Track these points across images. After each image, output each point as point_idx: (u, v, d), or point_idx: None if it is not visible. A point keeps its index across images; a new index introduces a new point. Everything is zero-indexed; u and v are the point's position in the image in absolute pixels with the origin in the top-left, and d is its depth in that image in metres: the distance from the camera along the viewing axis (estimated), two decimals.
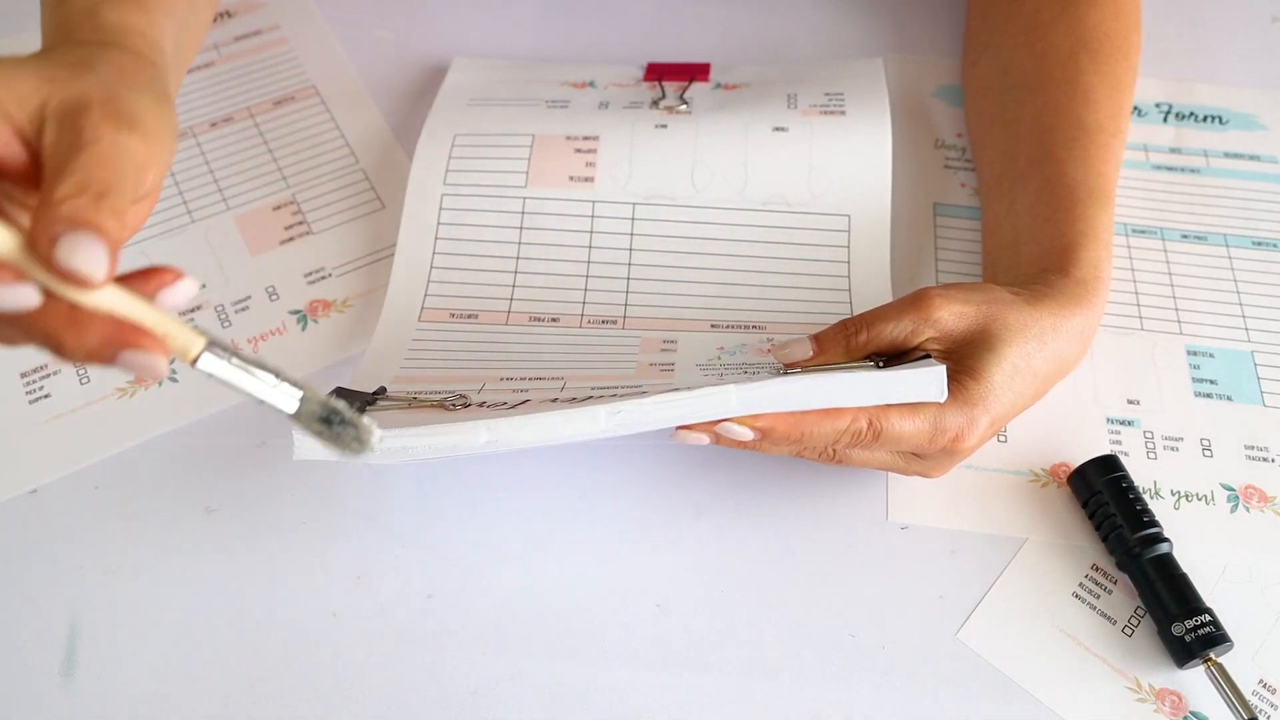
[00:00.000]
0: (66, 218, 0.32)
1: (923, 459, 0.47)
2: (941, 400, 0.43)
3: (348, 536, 0.50)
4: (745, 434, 0.43)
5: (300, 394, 0.36)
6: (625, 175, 0.58)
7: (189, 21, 0.51)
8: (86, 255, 0.32)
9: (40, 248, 0.32)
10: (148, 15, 0.45)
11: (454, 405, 0.46)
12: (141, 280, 0.34)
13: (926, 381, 0.42)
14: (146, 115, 0.37)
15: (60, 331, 0.33)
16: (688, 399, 0.42)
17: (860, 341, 0.46)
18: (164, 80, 0.42)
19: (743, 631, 0.48)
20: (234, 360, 0.35)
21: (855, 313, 0.54)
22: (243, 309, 0.58)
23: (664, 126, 0.60)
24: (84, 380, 0.55)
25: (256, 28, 0.70)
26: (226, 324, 0.57)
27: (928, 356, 0.45)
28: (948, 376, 0.44)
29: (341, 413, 0.36)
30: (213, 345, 0.35)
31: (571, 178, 0.58)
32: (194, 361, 0.35)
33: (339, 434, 0.36)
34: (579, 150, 0.59)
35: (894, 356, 0.46)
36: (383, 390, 0.49)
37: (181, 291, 0.35)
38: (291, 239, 0.61)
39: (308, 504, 0.51)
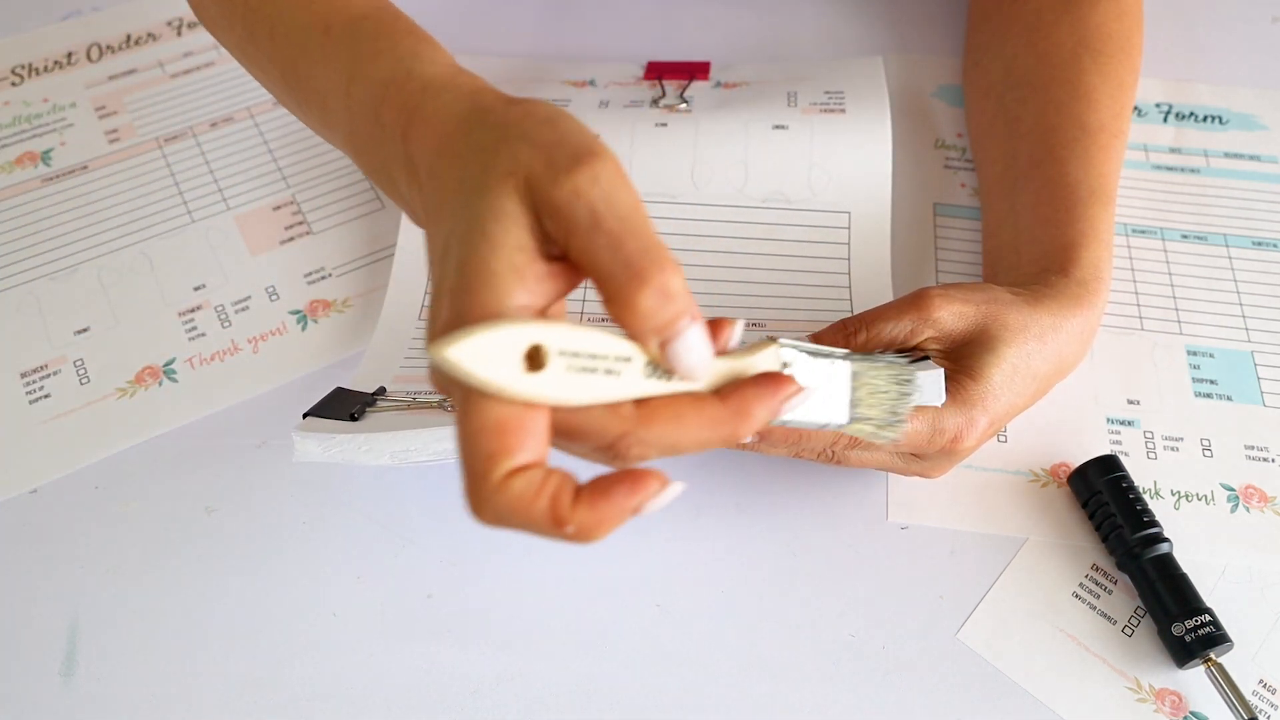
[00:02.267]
0: (665, 323, 0.31)
1: (922, 459, 0.47)
2: (940, 404, 0.43)
3: (348, 536, 0.50)
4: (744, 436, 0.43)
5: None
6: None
7: None
8: (689, 351, 0.31)
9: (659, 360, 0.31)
10: (428, 42, 0.40)
11: (453, 406, 0.46)
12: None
13: (925, 384, 0.42)
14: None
15: (731, 437, 0.33)
16: None
17: (860, 341, 0.46)
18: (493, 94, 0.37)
19: (743, 631, 0.48)
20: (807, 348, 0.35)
21: (855, 309, 0.54)
22: (243, 309, 0.58)
23: (664, 125, 0.60)
24: (84, 380, 0.55)
25: None
26: (226, 324, 0.57)
27: (927, 358, 0.45)
28: (947, 377, 0.44)
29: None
30: (781, 343, 0.35)
31: None
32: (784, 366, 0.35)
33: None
34: None
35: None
36: (382, 390, 0.49)
37: (738, 332, 0.35)
38: (291, 239, 0.61)
39: (308, 504, 0.51)
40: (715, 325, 0.34)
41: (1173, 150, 0.64)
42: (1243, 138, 0.65)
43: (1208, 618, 0.46)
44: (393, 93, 0.38)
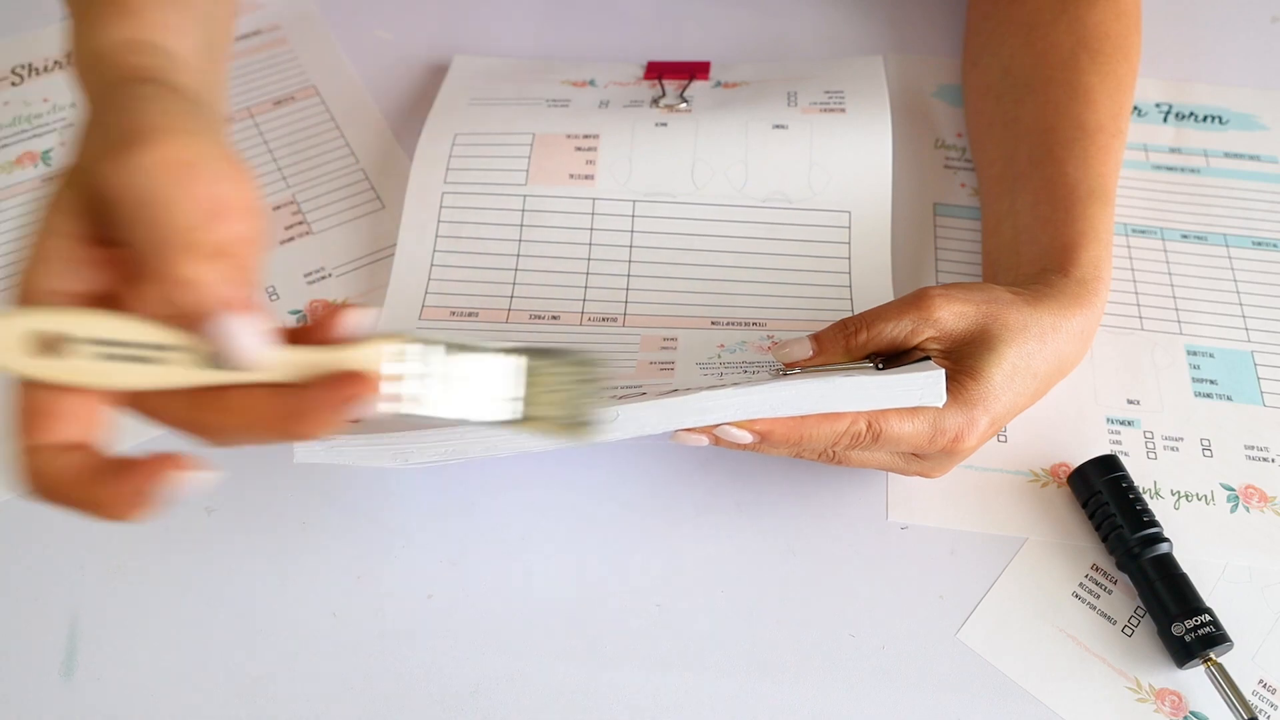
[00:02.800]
0: (204, 302, 0.31)
1: (923, 459, 0.47)
2: (940, 405, 0.43)
3: (348, 536, 0.50)
4: (744, 437, 0.43)
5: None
6: (625, 173, 0.58)
7: (215, 14, 0.46)
8: (239, 334, 0.32)
9: (195, 340, 0.32)
10: (165, 33, 0.40)
11: None
12: (320, 323, 0.34)
13: (925, 386, 0.42)
14: (158, 129, 0.33)
15: (291, 433, 0.33)
16: (686, 404, 0.42)
17: (860, 341, 0.46)
18: (200, 105, 0.38)
19: (742, 631, 0.48)
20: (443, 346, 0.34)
21: (856, 309, 0.54)
22: None
23: (664, 125, 0.60)
24: None
25: (256, 28, 0.70)
26: None
27: (928, 358, 0.45)
28: (947, 377, 0.44)
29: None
30: (409, 341, 0.34)
31: (572, 176, 0.58)
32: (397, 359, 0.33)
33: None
34: (579, 148, 0.59)
35: (893, 356, 0.46)
36: None
37: (357, 320, 0.34)
38: (291, 239, 0.61)
39: (308, 504, 0.51)
40: (331, 311, 0.34)
41: (1173, 150, 0.64)
42: (1243, 138, 0.65)
43: (1207, 617, 0.46)
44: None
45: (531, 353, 0.34)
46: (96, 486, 0.32)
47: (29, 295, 0.32)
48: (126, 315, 0.32)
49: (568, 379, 0.35)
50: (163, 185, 0.32)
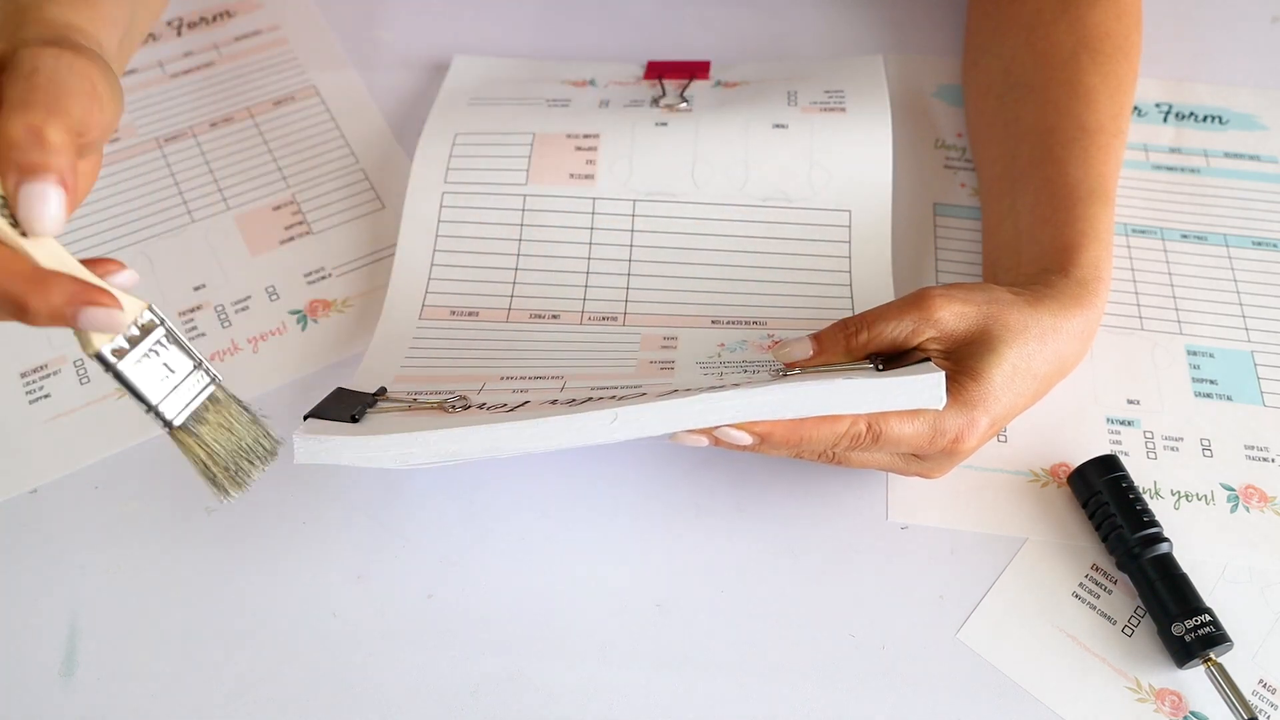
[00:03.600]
0: (20, 165, 0.33)
1: (923, 460, 0.47)
2: (940, 407, 0.43)
3: (348, 536, 0.50)
4: (744, 438, 0.43)
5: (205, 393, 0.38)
6: (626, 172, 0.58)
7: (139, 14, 0.50)
8: (41, 201, 0.33)
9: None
10: (92, 11, 0.44)
11: (453, 407, 0.46)
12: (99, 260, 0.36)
13: (925, 388, 0.42)
14: (92, 57, 0.37)
15: (25, 293, 0.34)
16: (685, 406, 0.42)
17: (860, 341, 0.46)
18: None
19: (742, 631, 0.48)
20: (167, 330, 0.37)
21: (856, 307, 0.54)
22: (243, 309, 0.58)
23: (664, 124, 0.60)
24: (84, 380, 0.55)
25: (256, 28, 0.70)
26: (227, 324, 0.57)
27: (928, 359, 0.45)
28: (948, 378, 0.44)
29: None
30: (151, 307, 0.36)
31: (572, 175, 0.58)
32: (147, 326, 0.36)
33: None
34: (579, 148, 0.59)
35: (894, 356, 0.46)
36: (383, 391, 0.49)
37: (125, 281, 0.37)
38: (291, 239, 0.61)
39: (308, 504, 0.51)
40: (108, 263, 0.36)
41: (1172, 150, 0.64)
42: (1243, 138, 0.65)
43: (1207, 618, 0.46)
44: None
45: (227, 391, 0.38)
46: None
47: None
48: None
49: (246, 429, 0.38)
50: (62, 63, 0.36)
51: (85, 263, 0.36)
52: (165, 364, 0.37)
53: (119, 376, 0.36)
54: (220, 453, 0.38)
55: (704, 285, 0.56)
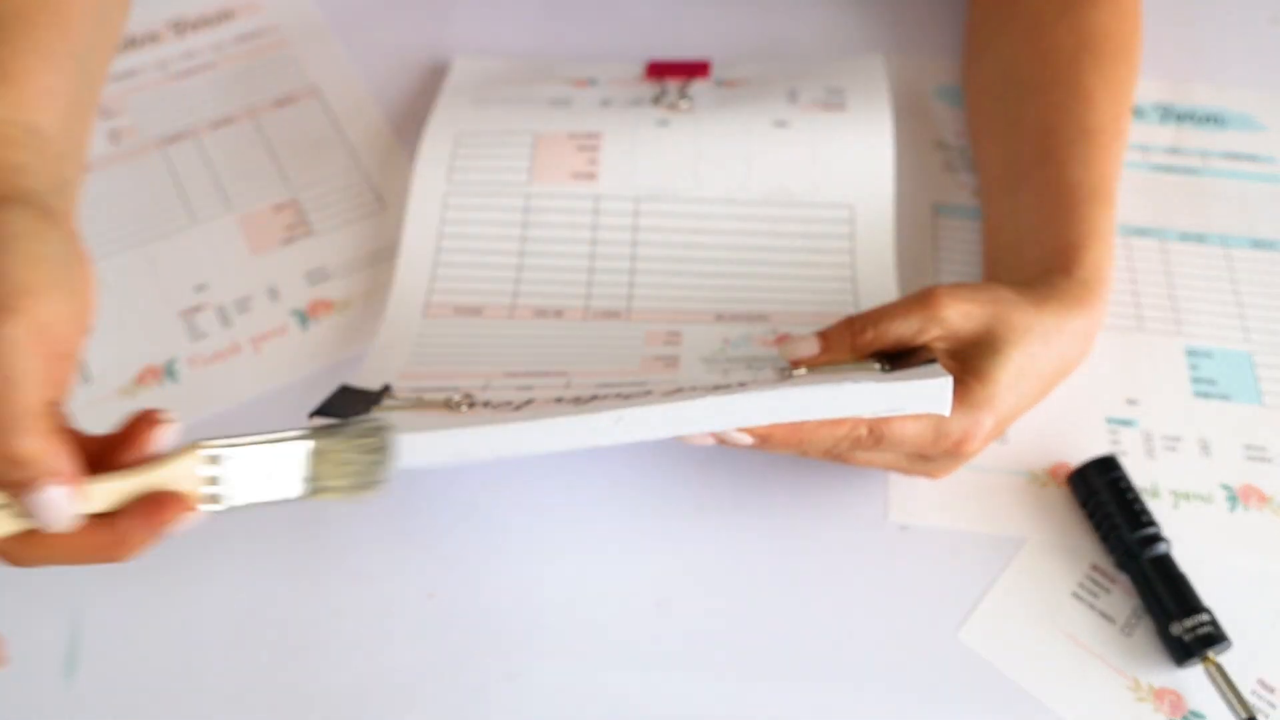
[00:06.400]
0: (9, 485, 0.33)
1: (927, 460, 0.47)
2: (946, 413, 0.43)
3: (349, 536, 0.50)
4: (745, 439, 0.43)
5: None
6: (628, 171, 0.58)
7: (92, 51, 0.46)
8: (50, 508, 0.34)
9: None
10: (15, 90, 0.40)
11: (459, 405, 0.46)
12: (130, 438, 0.35)
13: (932, 393, 0.42)
14: (29, 292, 0.35)
15: (108, 548, 0.35)
16: (690, 410, 0.41)
17: (866, 340, 0.46)
18: (49, 204, 0.38)
19: (742, 631, 0.48)
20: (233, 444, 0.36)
21: (859, 304, 0.54)
22: (244, 309, 0.58)
23: (666, 123, 0.60)
24: (85, 380, 0.55)
25: (257, 29, 0.70)
26: (228, 324, 0.57)
27: (934, 360, 0.45)
28: (953, 379, 0.44)
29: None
30: (199, 445, 0.36)
31: (574, 174, 0.58)
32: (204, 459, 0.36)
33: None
34: (582, 148, 0.59)
35: (899, 355, 0.46)
36: (388, 389, 0.49)
37: (168, 436, 0.36)
38: (293, 239, 0.61)
39: (308, 504, 0.51)
40: (139, 424, 0.35)
41: (1171, 151, 0.64)
42: (1241, 138, 0.65)
43: (1206, 617, 0.46)
44: None
45: (318, 434, 0.37)
46: None
47: None
48: None
49: (357, 450, 0.38)
50: (19, 360, 0.33)
51: (125, 429, 0.36)
52: (253, 468, 0.37)
53: (240, 509, 0.37)
54: (351, 482, 0.38)
55: (707, 281, 0.56)
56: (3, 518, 0.35)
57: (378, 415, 0.43)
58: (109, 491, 0.35)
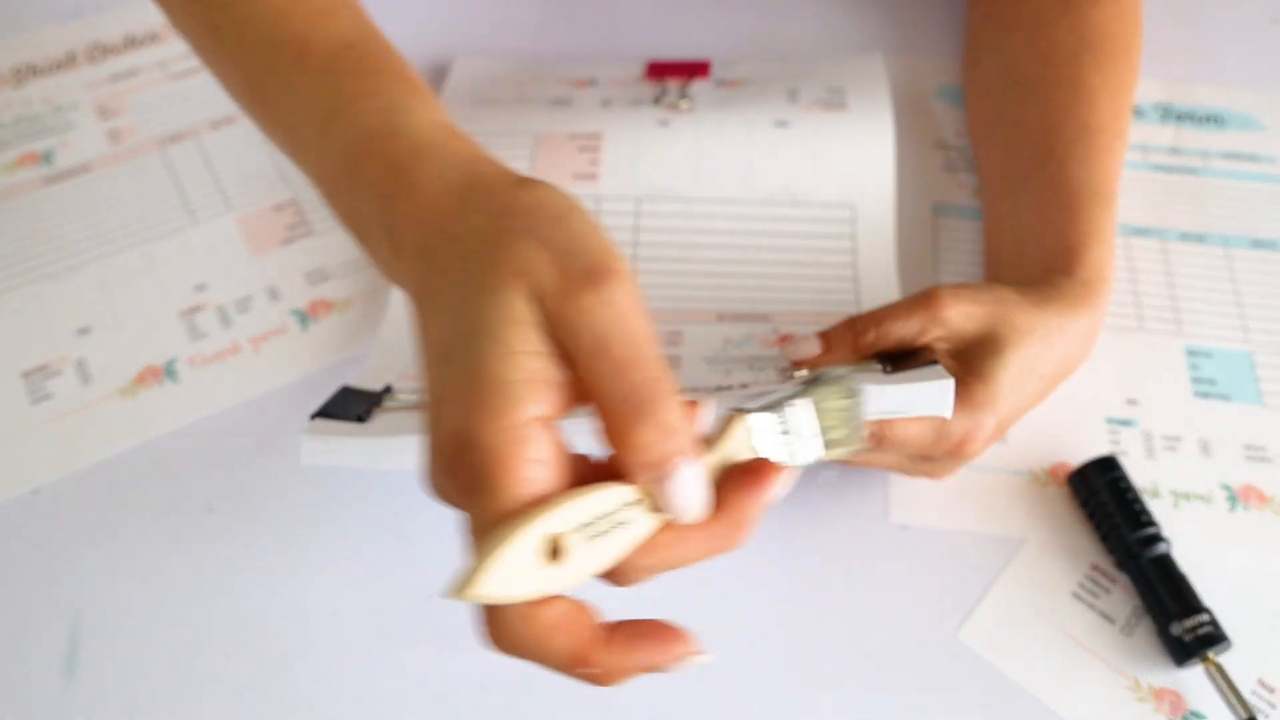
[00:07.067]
0: (658, 460, 0.30)
1: (929, 461, 0.47)
2: (948, 416, 0.42)
3: (348, 536, 0.50)
4: None
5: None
6: (629, 171, 0.58)
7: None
8: (687, 493, 0.30)
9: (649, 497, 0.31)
10: (419, 94, 0.38)
11: None
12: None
13: (934, 396, 0.42)
14: (620, 257, 0.31)
15: (725, 535, 0.32)
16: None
17: (868, 340, 0.46)
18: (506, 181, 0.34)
19: (742, 631, 0.48)
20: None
21: (861, 302, 0.54)
22: (244, 309, 0.58)
23: (666, 123, 0.60)
24: (86, 380, 0.55)
25: None
26: (228, 324, 0.57)
27: (936, 362, 0.45)
28: (954, 380, 0.44)
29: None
30: (737, 412, 0.33)
31: (575, 175, 0.58)
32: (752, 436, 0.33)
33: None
34: (583, 148, 0.59)
35: (901, 356, 0.46)
36: (389, 389, 0.49)
37: (708, 415, 0.33)
38: (293, 239, 0.61)
39: (309, 503, 0.51)
40: (685, 410, 0.32)
41: (1171, 150, 0.64)
42: (1241, 138, 0.65)
43: (1206, 617, 0.46)
44: (377, 146, 0.35)
45: (812, 390, 0.35)
46: (606, 651, 0.31)
47: (511, 425, 0.29)
48: (586, 489, 0.30)
49: (838, 398, 0.36)
50: (636, 321, 0.30)
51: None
52: (787, 429, 0.34)
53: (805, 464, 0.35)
54: (845, 433, 0.36)
55: (709, 281, 0.56)
56: (640, 516, 0.31)
57: (837, 369, 0.42)
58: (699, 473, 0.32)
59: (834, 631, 0.48)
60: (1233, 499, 0.52)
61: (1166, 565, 0.48)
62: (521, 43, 0.70)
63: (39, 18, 0.70)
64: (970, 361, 0.46)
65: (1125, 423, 0.54)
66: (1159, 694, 0.46)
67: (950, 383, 0.41)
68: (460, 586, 0.29)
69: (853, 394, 0.36)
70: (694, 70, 0.65)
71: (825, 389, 0.36)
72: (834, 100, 0.61)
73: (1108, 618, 0.48)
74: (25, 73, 0.67)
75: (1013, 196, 0.55)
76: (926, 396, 0.42)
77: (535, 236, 0.31)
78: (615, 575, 0.32)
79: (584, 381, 0.30)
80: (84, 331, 0.57)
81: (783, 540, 0.50)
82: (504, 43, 0.70)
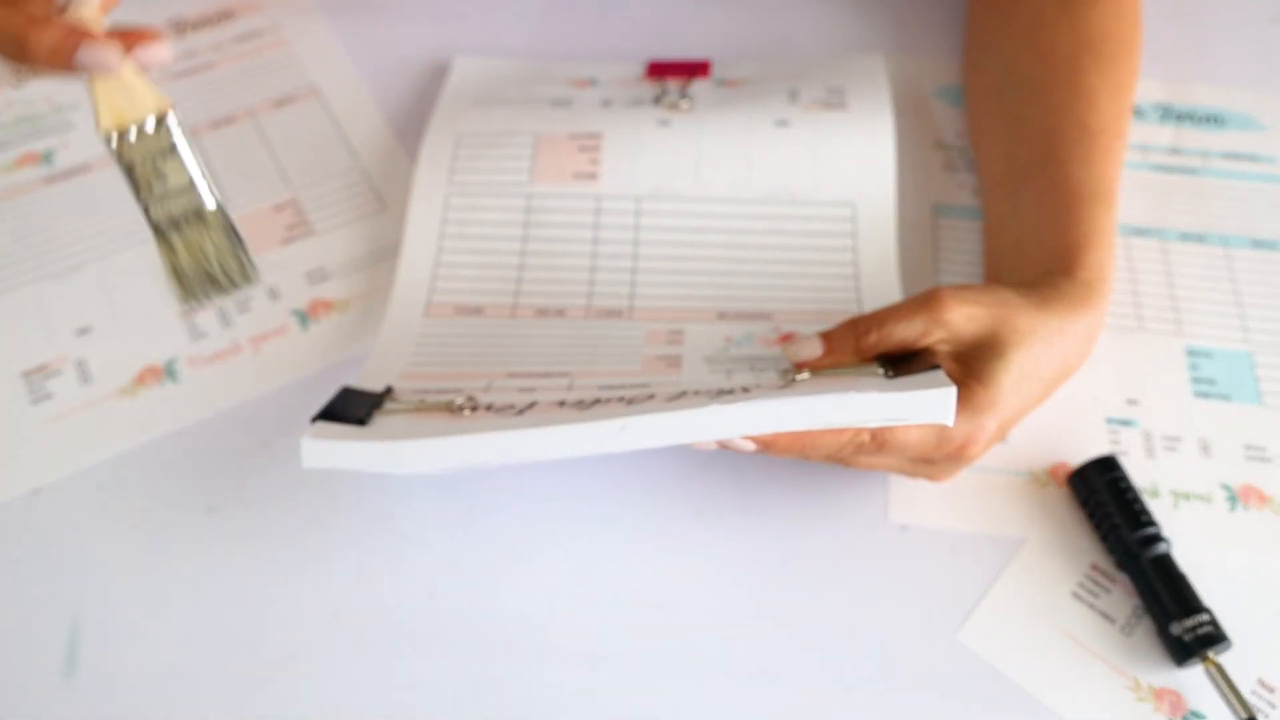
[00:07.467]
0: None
1: (930, 464, 0.47)
2: (950, 423, 0.42)
3: (349, 536, 0.51)
4: (748, 446, 0.43)
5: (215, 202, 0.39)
6: (629, 171, 0.58)
7: None
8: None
9: None
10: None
11: (461, 408, 0.46)
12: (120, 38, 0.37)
13: (935, 403, 0.41)
14: None
15: (25, 31, 0.36)
16: (696, 419, 0.41)
17: (870, 342, 0.46)
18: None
19: (743, 632, 0.48)
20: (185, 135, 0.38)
21: (862, 301, 0.54)
22: (244, 309, 0.58)
23: (666, 123, 0.60)
24: (86, 380, 0.55)
25: (257, 29, 0.70)
26: (228, 324, 0.57)
27: (937, 366, 0.44)
28: (954, 381, 0.43)
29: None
30: (173, 108, 0.38)
31: (575, 175, 0.59)
32: (162, 118, 0.38)
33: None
34: (583, 148, 0.59)
35: (903, 358, 0.46)
36: (390, 390, 0.49)
37: (157, 52, 0.38)
38: (293, 239, 0.61)
39: (309, 504, 0.51)
40: (135, 35, 0.38)
41: (1171, 150, 0.64)
42: (1241, 138, 0.65)
43: (1206, 617, 0.46)
44: None
45: (222, 216, 0.39)
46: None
47: None
48: None
49: (214, 261, 0.40)
50: None
51: (119, 32, 0.37)
52: (167, 170, 0.38)
53: (120, 161, 0.37)
54: (187, 269, 0.39)
55: (709, 280, 0.56)
56: None
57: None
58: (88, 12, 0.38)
59: (834, 632, 0.48)
60: (1233, 499, 0.52)
61: (1166, 565, 0.48)
62: (521, 43, 0.70)
63: None
64: (971, 364, 0.45)
65: (1125, 423, 0.54)
66: (1159, 694, 0.46)
67: (952, 390, 0.41)
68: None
69: (241, 274, 0.40)
70: (694, 70, 0.65)
71: (234, 243, 0.40)
72: (834, 100, 0.61)
73: (1108, 618, 0.48)
74: (25, 72, 0.67)
75: (1013, 197, 0.55)
76: (928, 404, 0.42)
77: None
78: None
79: None
80: (84, 331, 0.57)
81: (783, 540, 0.50)
82: (504, 43, 0.70)
